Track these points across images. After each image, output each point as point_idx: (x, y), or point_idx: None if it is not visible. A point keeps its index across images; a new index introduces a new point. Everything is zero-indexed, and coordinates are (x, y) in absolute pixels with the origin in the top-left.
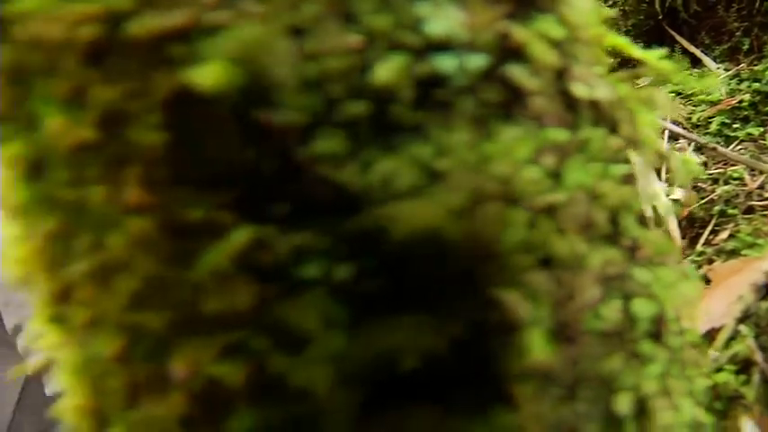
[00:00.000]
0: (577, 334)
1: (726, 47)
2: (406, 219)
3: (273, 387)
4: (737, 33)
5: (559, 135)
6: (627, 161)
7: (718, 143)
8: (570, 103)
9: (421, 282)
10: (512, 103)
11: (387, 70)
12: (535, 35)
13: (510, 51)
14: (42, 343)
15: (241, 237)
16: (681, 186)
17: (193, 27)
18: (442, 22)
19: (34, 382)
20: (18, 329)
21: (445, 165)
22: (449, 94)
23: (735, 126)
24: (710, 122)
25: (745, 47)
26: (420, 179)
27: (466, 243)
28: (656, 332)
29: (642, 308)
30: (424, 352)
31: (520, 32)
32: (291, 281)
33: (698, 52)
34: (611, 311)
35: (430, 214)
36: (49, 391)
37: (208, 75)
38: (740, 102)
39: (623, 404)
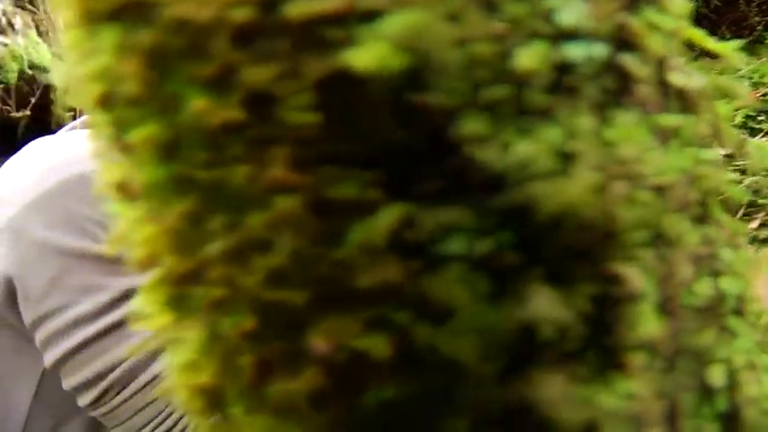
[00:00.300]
0: (677, 309)
1: (747, 41)
2: (553, 196)
3: (416, 359)
4: (759, 27)
5: (662, 121)
6: (710, 147)
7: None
8: (666, 91)
9: (553, 257)
10: (623, 91)
11: (527, 56)
12: (646, 25)
13: (625, 41)
14: (153, 323)
15: (391, 214)
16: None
17: (349, 11)
18: (572, 13)
19: (51, 376)
20: (36, 324)
21: (575, 147)
22: (576, 81)
23: (759, 119)
24: (735, 115)
25: None
26: (554, 161)
27: (597, 221)
28: (740, 309)
29: (729, 285)
30: (557, 323)
31: (634, 23)
32: (435, 256)
33: None
34: (704, 288)
35: (573, 193)
36: (66, 385)
37: (367, 57)
38: (764, 95)
39: (717, 376)
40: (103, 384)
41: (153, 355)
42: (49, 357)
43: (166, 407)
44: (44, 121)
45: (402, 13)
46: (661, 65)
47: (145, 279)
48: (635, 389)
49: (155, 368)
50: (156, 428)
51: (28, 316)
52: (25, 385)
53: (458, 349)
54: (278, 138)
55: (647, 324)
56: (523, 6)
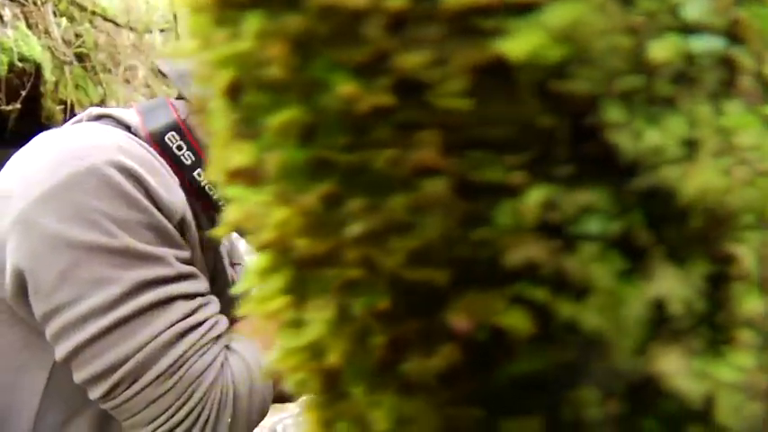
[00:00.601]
0: None
1: None
2: (684, 182)
3: (553, 334)
4: None
5: (764, 111)
6: None
7: None
8: (764, 83)
9: (675, 237)
10: (731, 82)
11: (660, 48)
12: (752, 19)
13: (736, 34)
14: (267, 306)
15: (535, 196)
16: None
17: (501, 3)
18: (695, 8)
19: (61, 369)
20: (47, 318)
21: (698, 135)
22: (696, 72)
23: None
24: None
25: None
26: (680, 148)
27: (719, 204)
28: None
29: None
30: (682, 300)
31: (745, 17)
32: (573, 235)
33: None
34: None
35: (703, 178)
36: (77, 378)
37: (522, 47)
38: None
39: None
40: (115, 377)
41: (164, 348)
42: (61, 351)
43: (178, 399)
44: (34, 115)
45: (562, 5)
46: (759, 58)
47: (257, 261)
48: (745, 363)
49: (166, 360)
50: (168, 420)
51: (39, 309)
52: (36, 378)
53: (597, 324)
54: (427, 122)
55: (752, 302)
56: (655, 1)
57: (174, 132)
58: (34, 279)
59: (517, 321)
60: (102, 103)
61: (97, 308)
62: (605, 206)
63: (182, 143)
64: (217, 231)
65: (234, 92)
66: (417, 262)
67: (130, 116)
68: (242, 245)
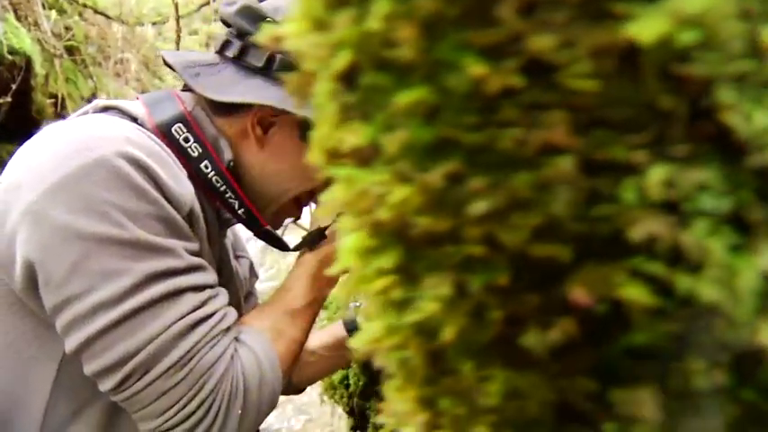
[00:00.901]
0: None
1: None
2: None
3: (670, 306)
4: None
5: None
6: None
7: None
8: None
9: None
10: None
11: None
12: None
13: None
14: (372, 286)
15: (658, 174)
16: None
17: None
18: None
19: (71, 361)
20: (57, 309)
21: None
22: None
23: None
24: None
25: None
26: None
27: None
28: None
29: None
30: None
31: None
32: (689, 211)
33: None
34: None
35: None
36: (87, 370)
37: (652, 30)
38: None
39: None
40: (126, 369)
41: (175, 339)
42: (71, 343)
43: (189, 390)
44: (24, 108)
45: None
46: None
47: (355, 241)
48: None
49: (177, 352)
50: (179, 412)
51: (49, 301)
52: (45, 370)
53: (712, 296)
54: (554, 103)
55: None
56: None
57: (180, 124)
58: (44, 271)
59: (637, 294)
60: (93, 97)
61: (108, 300)
62: (718, 184)
63: (188, 135)
64: (321, 211)
65: (351, 73)
66: (540, 238)
67: (136, 108)
68: (244, 237)
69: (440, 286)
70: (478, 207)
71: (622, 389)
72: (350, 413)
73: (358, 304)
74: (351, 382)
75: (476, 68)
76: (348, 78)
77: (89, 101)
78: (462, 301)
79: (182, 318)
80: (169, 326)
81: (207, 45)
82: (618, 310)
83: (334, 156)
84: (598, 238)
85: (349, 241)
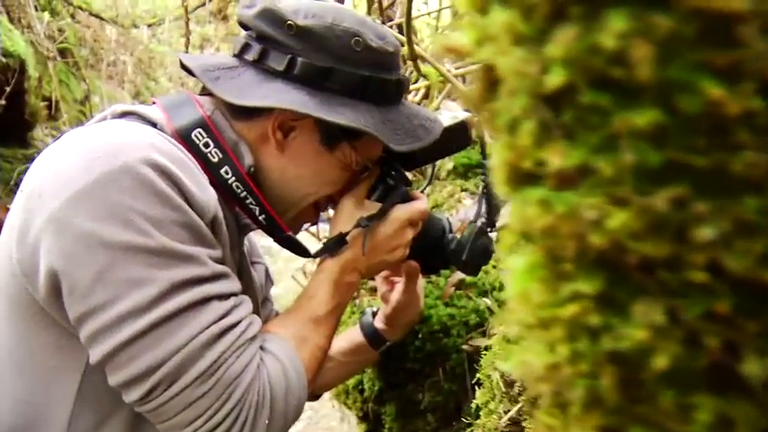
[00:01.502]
0: None
1: None
2: None
3: None
4: None
5: None
6: None
7: None
8: None
9: None
10: None
11: None
12: None
13: None
14: (562, 311)
15: None
16: None
17: None
18: None
19: (94, 372)
20: (82, 320)
21: None
22: None
23: None
24: None
25: None
26: None
27: None
28: None
29: None
30: None
31: None
32: None
33: None
34: None
35: None
36: (112, 381)
37: None
38: None
39: None
40: (152, 380)
41: (202, 349)
42: (96, 353)
43: (217, 400)
44: (18, 111)
45: None
46: None
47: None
48: None
49: (204, 362)
50: (206, 422)
51: (73, 311)
52: (68, 381)
53: None
54: None
55: None
56: None
57: (200, 129)
58: (69, 280)
59: None
60: (85, 100)
61: (133, 309)
62: None
63: (208, 140)
64: (505, 237)
65: (566, 91)
66: (766, 263)
67: (155, 113)
68: (258, 243)
69: (651, 314)
70: (705, 233)
71: None
72: (363, 418)
73: (375, 309)
74: (366, 386)
75: (713, 91)
76: (563, 96)
77: (82, 103)
78: (675, 328)
79: (208, 327)
80: (196, 335)
81: (201, 48)
82: None
83: (526, 177)
84: None
85: (524, 264)
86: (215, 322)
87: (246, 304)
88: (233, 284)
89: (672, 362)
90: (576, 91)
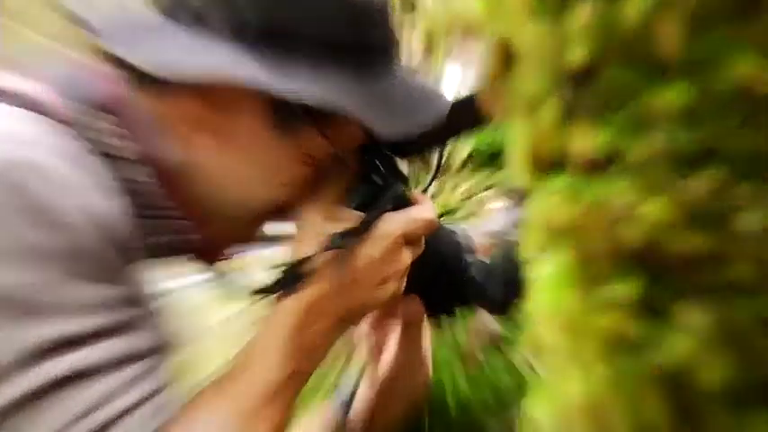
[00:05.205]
0: None
1: None
2: None
3: None
4: None
5: None
6: None
7: None
8: None
9: None
10: None
11: None
12: None
13: None
14: (600, 321)
15: None
16: None
17: None
18: None
19: None
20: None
21: None
22: None
23: None
24: None
25: None
26: None
27: None
28: None
29: None
30: None
31: None
32: None
33: None
34: None
35: None
36: None
37: None
38: None
39: None
40: None
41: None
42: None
43: None
44: None
45: None
46: None
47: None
48: None
49: None
50: None
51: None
52: None
53: None
54: None
55: None
56: None
57: (103, 112)
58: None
59: None
60: None
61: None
62: None
63: (115, 127)
64: (529, 234)
65: (590, 69)
66: None
67: (37, 91)
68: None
69: (696, 318)
70: (750, 220)
71: None
72: None
73: (355, 383)
74: None
75: (744, 68)
76: (586, 74)
77: None
78: (725, 335)
79: (87, 415)
80: (67, 427)
81: None
82: None
83: (548, 164)
84: None
85: (551, 267)
86: (98, 408)
87: (156, 373)
88: (139, 340)
89: (723, 376)
90: (599, 68)
